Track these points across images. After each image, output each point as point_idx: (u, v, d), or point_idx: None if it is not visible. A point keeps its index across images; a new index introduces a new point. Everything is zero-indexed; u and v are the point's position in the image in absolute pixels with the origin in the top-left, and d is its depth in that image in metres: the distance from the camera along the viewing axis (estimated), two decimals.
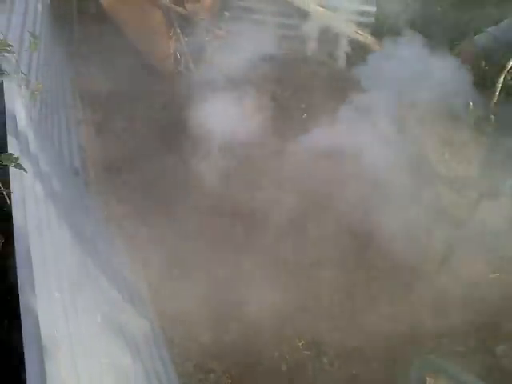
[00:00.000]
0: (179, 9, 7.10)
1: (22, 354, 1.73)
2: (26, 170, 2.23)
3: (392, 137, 5.94)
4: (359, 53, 7.51)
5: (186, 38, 7.19)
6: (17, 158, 2.18)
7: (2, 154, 2.16)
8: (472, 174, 6.46)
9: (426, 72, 6.33)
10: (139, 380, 3.05)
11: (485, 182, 5.81)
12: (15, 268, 2.00)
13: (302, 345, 4.42)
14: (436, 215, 5.66)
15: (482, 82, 6.97)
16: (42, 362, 1.72)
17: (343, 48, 7.68)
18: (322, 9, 7.58)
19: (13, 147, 2.53)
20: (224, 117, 5.76)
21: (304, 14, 7.54)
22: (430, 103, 6.61)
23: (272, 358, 4.28)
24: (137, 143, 5.88)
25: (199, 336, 4.23)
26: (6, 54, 3.18)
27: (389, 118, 6.13)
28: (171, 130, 5.97)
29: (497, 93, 7.17)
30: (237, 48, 6.22)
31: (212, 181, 5.40)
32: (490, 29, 7.05)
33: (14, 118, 2.90)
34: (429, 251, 5.30)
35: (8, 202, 2.24)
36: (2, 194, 2.28)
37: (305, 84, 6.40)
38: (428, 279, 5.11)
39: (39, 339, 1.77)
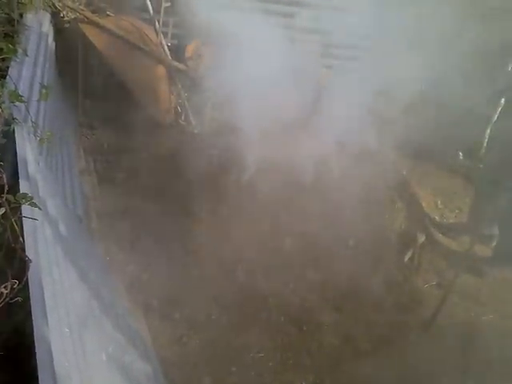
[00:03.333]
0: (180, 65, 7.33)
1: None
2: (40, 208, 2.33)
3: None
4: None
5: (186, 93, 7.39)
6: (31, 197, 2.27)
7: (18, 194, 2.26)
8: (463, 221, 6.62)
9: None
10: None
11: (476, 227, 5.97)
12: (28, 301, 2.07)
13: None
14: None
15: None
16: None
17: None
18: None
19: (25, 189, 2.63)
20: (223, 167, 5.91)
21: None
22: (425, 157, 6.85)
23: None
24: (137, 193, 5.99)
25: (201, 379, 4.23)
26: (17, 104, 3.33)
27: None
28: (171, 180, 6.09)
29: (485, 144, 7.41)
30: (236, 102, 6.39)
31: (211, 226, 5.50)
32: None
33: (25, 162, 3.01)
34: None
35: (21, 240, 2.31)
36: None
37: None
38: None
39: (52, 368, 1.83)
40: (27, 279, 1.96)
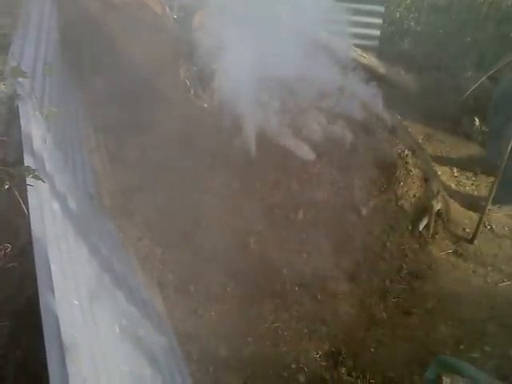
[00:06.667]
0: (187, 37, 7.24)
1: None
2: (44, 181, 2.31)
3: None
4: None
5: (194, 67, 7.30)
6: (34, 170, 2.26)
7: (21, 166, 2.25)
8: (480, 188, 6.55)
9: None
10: None
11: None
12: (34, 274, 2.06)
13: (320, 356, 4.42)
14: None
15: None
16: (62, 359, 1.77)
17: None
18: (327, 34, 7.72)
19: (29, 164, 2.61)
20: (233, 141, 5.86)
21: None
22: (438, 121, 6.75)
23: (289, 369, 4.27)
24: (149, 170, 5.96)
25: (217, 350, 4.25)
26: (20, 80, 3.29)
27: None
28: (182, 156, 6.05)
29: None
30: (244, 74, 6.31)
31: (223, 199, 5.47)
32: None
33: (31, 138, 2.99)
34: None
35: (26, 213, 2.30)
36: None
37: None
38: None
39: (59, 338, 1.82)
40: (33, 251, 1.95)
